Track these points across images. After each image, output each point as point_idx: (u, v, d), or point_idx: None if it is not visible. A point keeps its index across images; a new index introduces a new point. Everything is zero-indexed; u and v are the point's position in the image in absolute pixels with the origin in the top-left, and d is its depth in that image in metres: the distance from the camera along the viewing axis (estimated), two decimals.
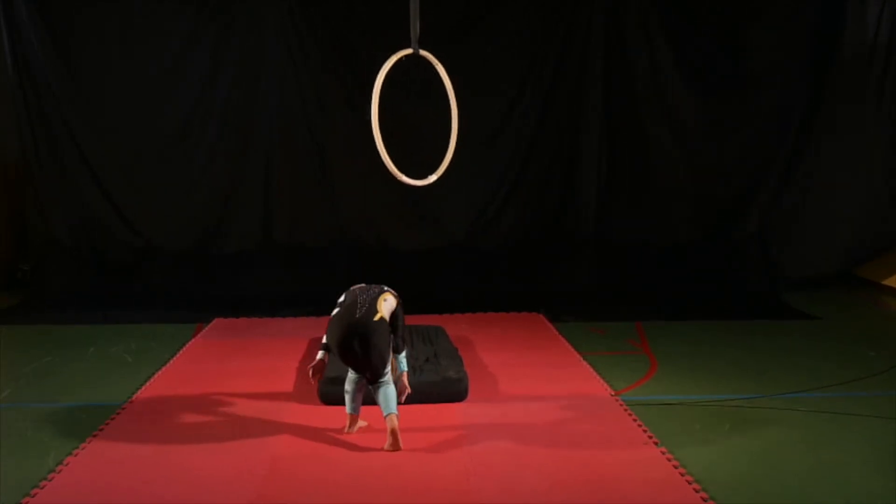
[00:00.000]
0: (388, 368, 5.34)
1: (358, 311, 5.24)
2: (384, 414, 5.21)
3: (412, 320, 6.01)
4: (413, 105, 9.60)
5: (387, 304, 5.36)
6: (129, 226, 10.54)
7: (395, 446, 5.14)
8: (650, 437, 5.42)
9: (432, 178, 5.66)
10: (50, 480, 4.76)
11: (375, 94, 5.38)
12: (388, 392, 5.24)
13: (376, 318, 5.22)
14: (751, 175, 10.86)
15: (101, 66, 10.24)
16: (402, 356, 5.58)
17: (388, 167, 5.53)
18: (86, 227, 10.54)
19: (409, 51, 5.50)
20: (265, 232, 10.70)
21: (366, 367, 5.24)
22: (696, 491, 4.61)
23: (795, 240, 10.88)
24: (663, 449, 5.22)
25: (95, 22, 10.17)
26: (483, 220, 10.86)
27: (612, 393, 6.42)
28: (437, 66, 5.61)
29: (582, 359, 7.42)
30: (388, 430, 5.17)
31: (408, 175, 5.70)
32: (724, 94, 10.72)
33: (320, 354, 5.40)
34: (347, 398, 5.49)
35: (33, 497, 4.57)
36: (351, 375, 5.45)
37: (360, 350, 5.17)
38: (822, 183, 10.76)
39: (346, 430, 5.48)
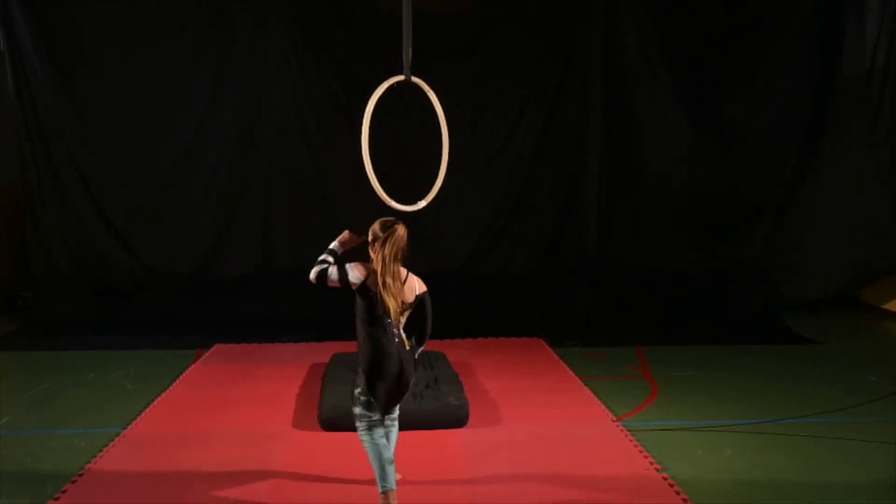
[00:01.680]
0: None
1: (388, 339, 4.84)
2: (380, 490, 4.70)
3: None
4: (412, 130, 9.61)
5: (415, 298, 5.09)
6: (130, 251, 10.56)
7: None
8: (651, 463, 5.40)
9: (421, 203, 5.65)
10: None
11: (366, 120, 5.40)
12: (391, 435, 4.91)
13: (407, 347, 4.92)
14: (751, 199, 10.89)
15: (103, 93, 10.30)
16: (420, 348, 5.12)
17: (377, 191, 5.52)
18: (86, 253, 10.55)
19: (400, 77, 5.52)
20: (265, 257, 10.71)
21: (399, 389, 4.85)
22: None
23: (796, 264, 10.89)
24: (665, 475, 5.20)
25: (97, 49, 10.23)
26: (483, 244, 10.86)
27: (614, 418, 6.40)
28: (428, 93, 5.63)
29: (583, 384, 7.40)
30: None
31: (405, 201, 5.70)
32: (724, 118, 10.76)
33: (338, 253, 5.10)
34: (390, 469, 4.71)
35: None
36: (378, 441, 4.74)
37: (398, 378, 4.80)
38: (822, 207, 10.79)
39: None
